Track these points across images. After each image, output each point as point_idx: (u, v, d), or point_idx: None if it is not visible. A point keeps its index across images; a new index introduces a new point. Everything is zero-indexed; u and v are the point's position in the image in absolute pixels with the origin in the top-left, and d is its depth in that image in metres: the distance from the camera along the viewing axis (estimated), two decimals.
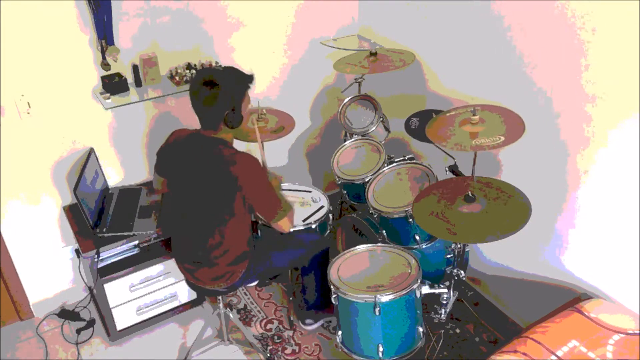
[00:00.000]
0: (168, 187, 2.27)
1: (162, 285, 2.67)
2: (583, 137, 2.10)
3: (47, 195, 2.63)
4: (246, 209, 2.08)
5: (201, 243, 2.15)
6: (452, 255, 2.36)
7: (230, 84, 1.94)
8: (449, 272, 2.33)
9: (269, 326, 2.77)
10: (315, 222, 2.58)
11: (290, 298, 2.79)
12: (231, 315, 2.58)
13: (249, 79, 2.03)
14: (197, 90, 1.95)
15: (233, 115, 1.98)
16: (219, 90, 1.92)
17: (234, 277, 2.22)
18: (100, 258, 2.47)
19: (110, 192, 2.75)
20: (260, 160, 2.07)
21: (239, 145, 2.53)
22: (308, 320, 2.71)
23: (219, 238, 2.12)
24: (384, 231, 2.51)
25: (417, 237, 2.43)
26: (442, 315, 2.34)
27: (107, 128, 2.64)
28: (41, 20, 2.26)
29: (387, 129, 2.87)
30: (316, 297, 2.62)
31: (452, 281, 2.27)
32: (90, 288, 2.70)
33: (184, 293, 2.78)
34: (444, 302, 2.31)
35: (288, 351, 2.64)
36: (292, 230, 2.52)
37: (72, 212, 2.64)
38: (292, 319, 2.77)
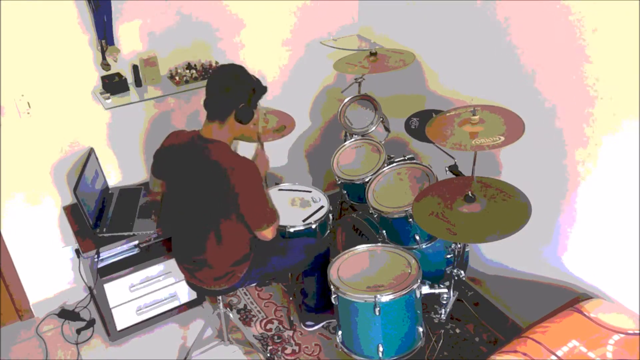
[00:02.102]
0: (166, 189, 2.26)
1: (162, 285, 2.67)
2: (583, 137, 2.10)
3: (47, 195, 2.63)
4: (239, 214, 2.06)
5: (199, 244, 2.15)
6: (452, 255, 2.36)
7: (252, 82, 2.01)
8: (449, 272, 2.33)
9: (269, 326, 2.77)
10: (315, 222, 2.58)
11: (291, 298, 2.79)
12: (231, 315, 2.58)
13: (264, 89, 2.09)
14: (220, 76, 2.00)
15: (246, 109, 2.00)
16: (242, 80, 1.99)
17: (233, 278, 2.22)
18: (100, 258, 2.47)
19: (110, 192, 2.75)
20: (260, 168, 2.08)
21: (241, 146, 2.54)
22: (309, 322, 2.71)
23: (216, 240, 2.11)
24: (384, 231, 2.51)
25: (417, 237, 2.43)
26: (442, 315, 2.34)
27: (107, 128, 2.64)
28: (41, 21, 2.26)
29: (387, 129, 2.87)
30: (317, 299, 2.61)
31: (452, 281, 2.27)
32: (90, 288, 2.70)
33: (184, 293, 2.78)
34: (444, 302, 2.31)
35: (288, 351, 2.64)
36: (292, 230, 2.53)
37: (72, 212, 2.64)
38: (292, 318, 2.77)
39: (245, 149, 2.41)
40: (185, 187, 2.10)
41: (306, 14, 2.91)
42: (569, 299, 2.19)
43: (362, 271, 2.27)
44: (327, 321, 2.71)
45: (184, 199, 2.13)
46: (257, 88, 2.03)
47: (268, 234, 2.12)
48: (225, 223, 2.08)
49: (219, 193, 2.00)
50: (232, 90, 1.98)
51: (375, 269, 2.27)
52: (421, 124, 2.49)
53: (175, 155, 2.12)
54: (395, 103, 3.00)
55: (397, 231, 2.48)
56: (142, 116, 2.70)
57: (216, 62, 2.69)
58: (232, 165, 1.99)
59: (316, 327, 2.71)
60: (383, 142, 2.79)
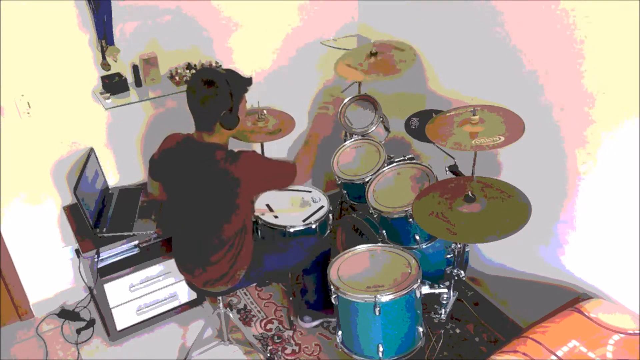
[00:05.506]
0: (165, 192, 2.25)
1: (162, 285, 2.67)
2: (583, 137, 2.10)
3: (47, 195, 2.63)
4: (250, 203, 2.12)
5: (202, 246, 2.15)
6: (452, 255, 2.36)
7: (229, 84, 1.95)
8: (449, 272, 2.33)
9: (269, 326, 2.78)
10: (315, 222, 2.58)
11: (290, 298, 2.79)
12: (231, 315, 2.58)
13: (248, 81, 2.05)
14: (195, 89, 1.95)
15: (229, 116, 1.97)
16: (217, 89, 1.93)
17: (234, 279, 2.22)
18: (100, 258, 2.47)
19: (110, 192, 2.75)
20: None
21: (238, 145, 2.53)
22: (306, 318, 2.70)
23: (220, 241, 2.11)
24: (384, 231, 2.51)
25: (417, 237, 2.43)
26: (442, 315, 2.34)
27: (107, 128, 2.64)
28: (41, 20, 2.26)
29: (387, 129, 2.87)
30: (316, 297, 2.61)
31: (452, 281, 2.27)
32: (90, 288, 2.70)
33: (184, 293, 2.78)
34: (444, 302, 2.31)
35: (288, 351, 2.64)
36: (292, 230, 2.53)
37: (72, 212, 2.64)
38: (292, 319, 2.77)
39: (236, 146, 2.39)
40: (185, 191, 2.09)
41: (306, 14, 2.91)
42: (569, 299, 2.19)
43: (362, 271, 2.27)
44: (325, 319, 2.70)
45: (185, 202, 2.13)
46: (234, 90, 1.96)
47: (300, 179, 2.16)
48: (230, 223, 2.08)
49: (221, 192, 2.00)
50: (209, 102, 1.94)
51: (375, 269, 2.27)
52: (421, 124, 2.49)
53: (173, 160, 2.11)
54: (395, 103, 3.00)
55: (397, 231, 2.48)
56: (142, 116, 2.70)
57: (216, 62, 2.69)
58: (234, 162, 1.97)
59: (314, 323, 2.71)
60: (383, 142, 2.79)
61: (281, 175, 2.13)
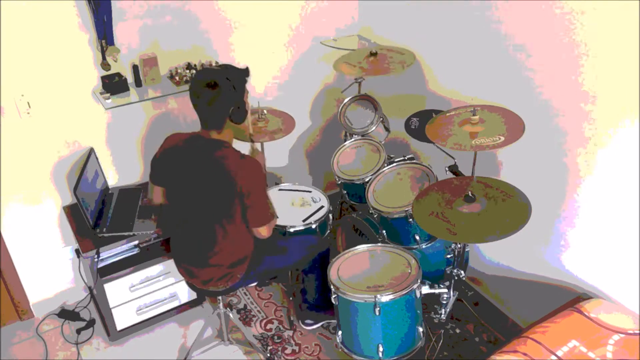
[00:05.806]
0: (167, 195, 2.24)
1: (162, 285, 2.67)
2: (583, 137, 2.10)
3: (47, 195, 2.63)
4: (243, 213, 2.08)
5: (202, 246, 2.15)
6: (452, 255, 2.36)
7: (231, 81, 1.97)
8: (449, 272, 2.33)
9: (269, 326, 2.78)
10: (315, 222, 2.58)
11: (290, 298, 2.79)
12: (231, 315, 2.58)
13: (245, 73, 2.07)
14: (199, 93, 1.96)
15: (238, 111, 2.01)
16: (221, 89, 1.95)
17: (233, 279, 2.22)
18: (100, 258, 2.47)
19: (110, 192, 2.75)
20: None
21: (238, 145, 2.54)
22: (308, 321, 2.71)
23: (221, 240, 2.11)
24: (384, 231, 2.51)
25: (417, 237, 2.43)
26: (442, 315, 2.34)
27: (107, 128, 2.64)
28: (41, 20, 2.26)
29: (387, 129, 2.87)
30: (317, 297, 2.61)
31: (452, 281, 2.27)
32: (90, 288, 2.70)
33: (184, 293, 2.78)
34: (444, 302, 2.31)
35: (288, 351, 2.64)
36: (292, 230, 2.53)
37: (72, 212, 2.64)
38: (292, 319, 2.77)
39: (240, 146, 2.40)
40: (190, 189, 2.09)
41: (306, 14, 2.91)
42: (569, 299, 2.19)
43: (362, 271, 2.27)
44: (327, 321, 2.71)
45: (188, 200, 2.12)
46: (236, 84, 1.98)
47: (264, 231, 2.13)
48: (229, 223, 2.08)
49: (224, 192, 2.01)
50: (216, 102, 1.95)
51: (375, 269, 2.27)
52: (421, 124, 2.49)
53: (178, 158, 2.11)
54: (395, 103, 3.00)
55: (397, 231, 2.48)
56: (142, 116, 2.70)
57: (216, 62, 2.69)
58: (239, 163, 2.00)
59: (315, 326, 2.71)
60: (383, 142, 2.79)
61: (265, 206, 2.09)
